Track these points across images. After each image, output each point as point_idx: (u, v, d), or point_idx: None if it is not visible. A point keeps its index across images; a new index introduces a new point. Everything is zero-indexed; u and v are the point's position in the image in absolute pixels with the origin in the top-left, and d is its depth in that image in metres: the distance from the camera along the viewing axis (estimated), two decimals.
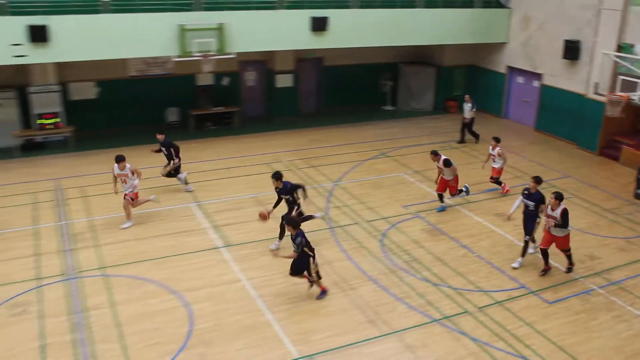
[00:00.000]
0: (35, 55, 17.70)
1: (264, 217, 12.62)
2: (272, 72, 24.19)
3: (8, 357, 9.71)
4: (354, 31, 21.50)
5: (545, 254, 12.08)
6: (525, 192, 12.42)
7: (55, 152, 19.85)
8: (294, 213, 12.67)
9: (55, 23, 17.51)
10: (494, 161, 16.43)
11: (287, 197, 12.89)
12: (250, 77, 24.46)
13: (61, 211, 15.24)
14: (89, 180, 17.18)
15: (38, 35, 17.32)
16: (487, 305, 11.23)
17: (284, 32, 20.59)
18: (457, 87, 26.31)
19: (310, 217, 13.45)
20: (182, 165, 16.45)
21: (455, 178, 15.12)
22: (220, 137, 21.97)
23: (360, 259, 12.91)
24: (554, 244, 12.00)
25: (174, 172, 16.32)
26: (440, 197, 15.45)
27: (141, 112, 22.36)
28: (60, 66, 20.16)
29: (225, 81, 23.76)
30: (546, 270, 12.25)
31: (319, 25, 20.67)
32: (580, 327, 10.62)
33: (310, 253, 10.96)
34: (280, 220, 12.95)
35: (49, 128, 20.14)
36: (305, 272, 11.20)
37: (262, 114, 25.00)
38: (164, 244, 13.46)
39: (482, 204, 16.01)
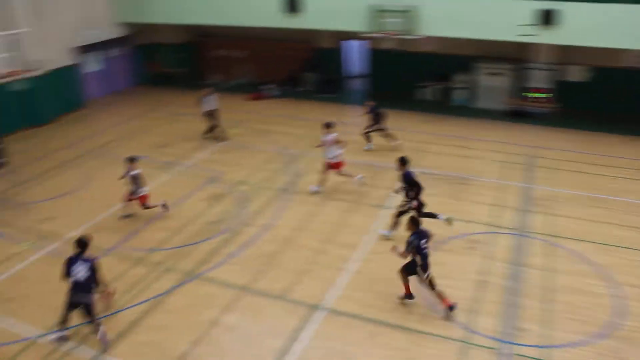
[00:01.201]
0: (541, 36, 17.21)
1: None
2: None
3: (450, 277, 10.11)
4: None
5: None
6: None
7: (537, 123, 19.33)
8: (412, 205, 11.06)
9: (568, 8, 16.56)
10: None
11: (403, 185, 11.26)
12: None
13: (528, 175, 14.85)
14: (563, 155, 16.22)
15: (547, 18, 16.74)
16: None
17: None
18: None
19: (432, 215, 11.17)
20: None
21: None
22: None
23: None
24: None
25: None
26: None
27: (627, 102, 19.65)
28: (561, 48, 19.15)
29: None
30: None
31: None
32: None
33: (418, 262, 8.85)
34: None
35: (536, 101, 19.75)
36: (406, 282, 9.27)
37: None
38: (617, 233, 11.78)
39: None
